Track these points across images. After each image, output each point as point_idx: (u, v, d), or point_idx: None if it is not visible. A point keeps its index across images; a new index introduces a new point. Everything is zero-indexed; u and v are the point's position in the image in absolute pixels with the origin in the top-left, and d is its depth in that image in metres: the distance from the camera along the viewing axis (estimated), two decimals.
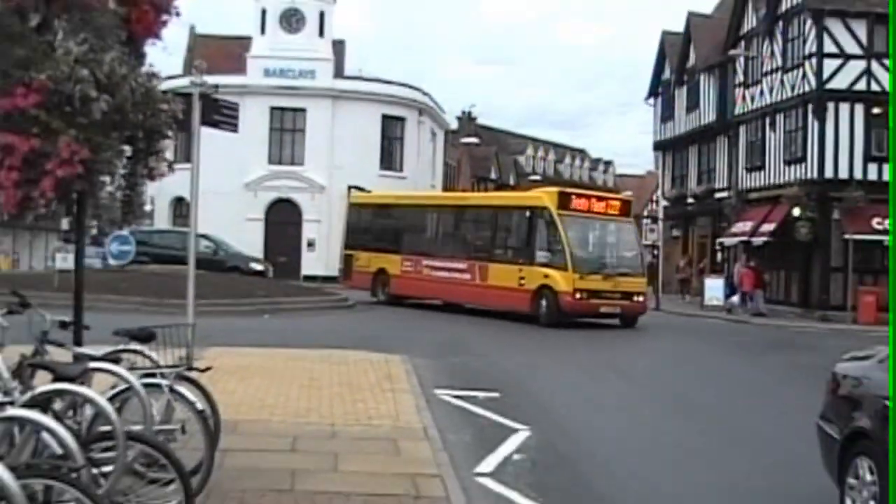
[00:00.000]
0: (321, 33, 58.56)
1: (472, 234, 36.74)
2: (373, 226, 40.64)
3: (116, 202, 9.75)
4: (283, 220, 56.57)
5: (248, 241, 53.06)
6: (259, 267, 45.44)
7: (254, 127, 50.99)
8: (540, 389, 17.82)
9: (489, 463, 11.38)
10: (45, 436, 6.53)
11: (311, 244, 56.51)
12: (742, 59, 47.90)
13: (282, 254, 55.04)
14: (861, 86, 41.67)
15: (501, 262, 33.42)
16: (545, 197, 32.97)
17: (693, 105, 55.47)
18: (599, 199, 34.49)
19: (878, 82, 41.58)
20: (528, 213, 32.97)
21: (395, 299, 37.46)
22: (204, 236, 43.65)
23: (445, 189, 73.66)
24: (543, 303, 31.32)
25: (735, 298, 44.23)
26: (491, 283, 33.32)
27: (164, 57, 10.05)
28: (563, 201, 32.16)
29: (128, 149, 9.23)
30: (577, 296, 30.61)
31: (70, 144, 8.24)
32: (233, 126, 16.64)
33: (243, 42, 58.54)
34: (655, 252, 54.84)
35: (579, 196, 33.55)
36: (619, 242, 34.16)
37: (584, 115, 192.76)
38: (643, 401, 17.33)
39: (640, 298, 32.65)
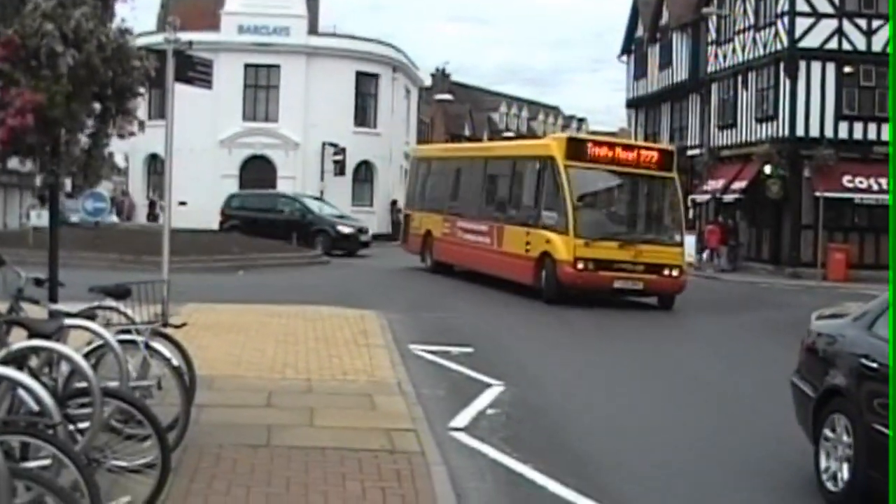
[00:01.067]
0: None
1: (494, 191, 30.50)
2: (426, 182, 35.20)
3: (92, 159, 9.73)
4: (257, 176, 56.26)
5: (222, 198, 52.94)
6: (347, 230, 43.28)
7: (228, 84, 50.67)
8: (513, 345, 17.94)
9: (463, 417, 11.49)
10: (21, 392, 6.54)
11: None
12: (715, 18, 47.88)
13: None
14: (833, 45, 41.80)
15: (513, 225, 27.62)
16: (553, 145, 26.68)
17: (666, 63, 55.44)
18: (627, 148, 27.23)
19: (849, 41, 41.77)
20: (536, 165, 27.03)
21: (438, 266, 32.44)
22: (292, 198, 45.35)
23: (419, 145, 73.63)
24: (544, 274, 25.32)
25: (705, 255, 44.51)
26: (504, 250, 27.72)
27: (138, 13, 9.97)
28: (574, 150, 25.59)
29: (97, 106, 9.21)
30: (580, 266, 24.39)
31: (24, 94, 8.23)
32: (207, 83, 16.64)
33: None
34: None
35: (597, 144, 26.53)
36: (651, 202, 27.62)
37: (556, 73, 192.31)
38: (615, 357, 17.47)
39: (675, 273, 25.47)
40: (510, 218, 27.98)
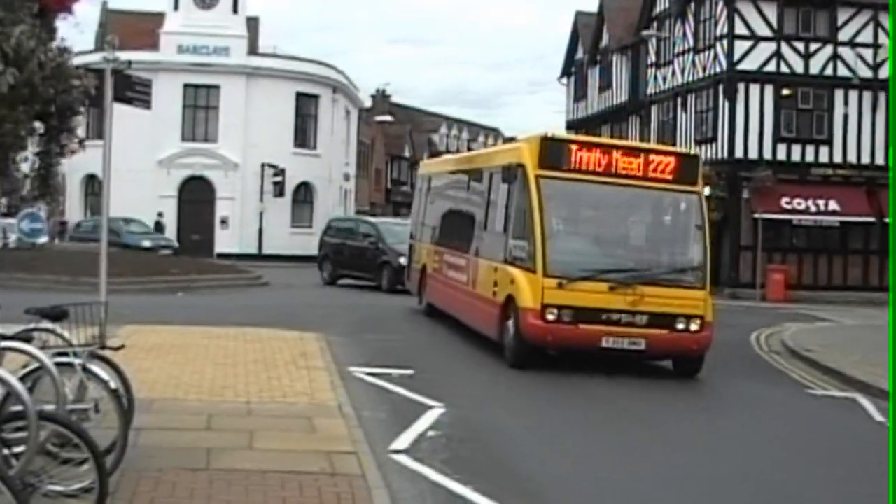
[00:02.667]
0: (235, 10, 57.97)
1: (472, 213, 22.61)
2: (426, 205, 27.66)
3: (27, 179, 9.65)
4: (196, 197, 56.05)
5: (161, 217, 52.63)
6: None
7: (167, 104, 50.54)
8: (454, 367, 17.93)
9: (404, 440, 11.44)
10: None
11: (224, 221, 56.13)
12: (654, 40, 48.27)
13: (195, 231, 54.75)
14: (771, 67, 42.35)
15: (484, 258, 20.48)
16: (523, 148, 19.01)
17: (606, 85, 55.84)
18: (630, 151, 19.08)
19: (787, 64, 42.35)
20: (505, 176, 19.54)
21: (431, 310, 25.37)
22: (369, 223, 40.12)
23: (359, 166, 73.52)
24: (509, 326, 18.19)
25: None
26: (477, 291, 20.67)
27: (77, 33, 9.94)
28: (550, 155, 18.32)
29: (40, 125, 9.14)
30: (550, 317, 17.31)
31: None
32: (145, 103, 16.54)
33: (156, 18, 57.76)
34: None
35: (585, 147, 18.72)
36: (661, 226, 20.11)
37: (496, 95, 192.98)
38: (556, 380, 17.48)
39: (694, 326, 17.91)
40: (482, 249, 20.77)
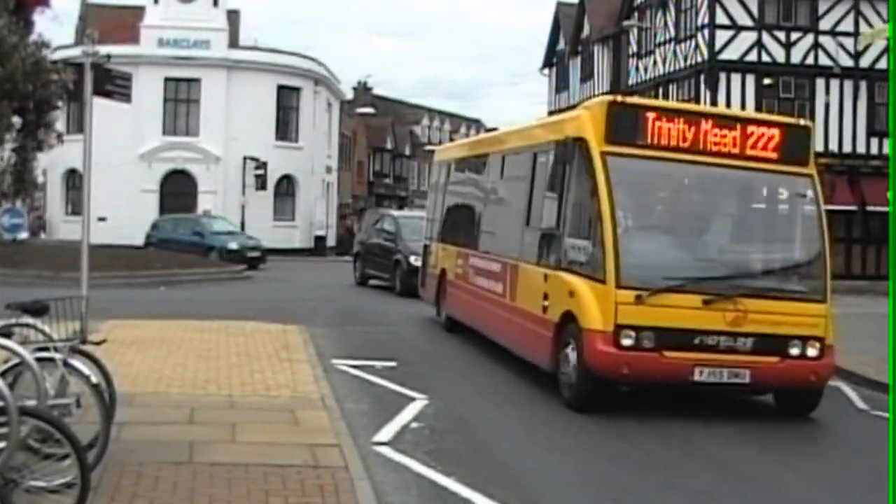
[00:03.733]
0: (215, 3, 57.90)
1: (508, 205, 18.06)
2: (444, 197, 22.93)
3: (6, 174, 9.61)
4: (178, 191, 55.93)
5: (143, 213, 52.46)
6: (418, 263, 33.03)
7: (148, 97, 50.40)
8: (437, 358, 17.92)
9: (387, 432, 11.44)
10: None
11: (206, 214, 56.05)
12: (636, 30, 48.33)
13: None
14: (752, 57, 42.44)
15: (529, 262, 15.81)
16: (584, 118, 14.38)
17: (587, 75, 55.87)
18: (723, 122, 14.47)
19: (768, 53, 42.43)
20: (558, 155, 14.78)
21: (452, 324, 20.98)
22: (390, 217, 35.27)
23: (341, 159, 73.40)
24: (569, 353, 13.74)
25: None
26: (518, 305, 16.24)
27: (56, 25, 9.88)
28: (620, 125, 13.97)
29: (17, 120, 9.09)
30: (626, 341, 13.06)
31: None
32: (126, 97, 16.49)
33: (137, 12, 57.59)
34: None
35: (664, 115, 14.21)
36: (765, 219, 15.55)
37: (478, 87, 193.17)
38: (533, 369, 17.46)
39: (813, 351, 13.64)
40: (525, 251, 16.02)
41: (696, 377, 13.05)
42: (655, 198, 15.18)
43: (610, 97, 14.48)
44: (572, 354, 13.52)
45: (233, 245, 43.26)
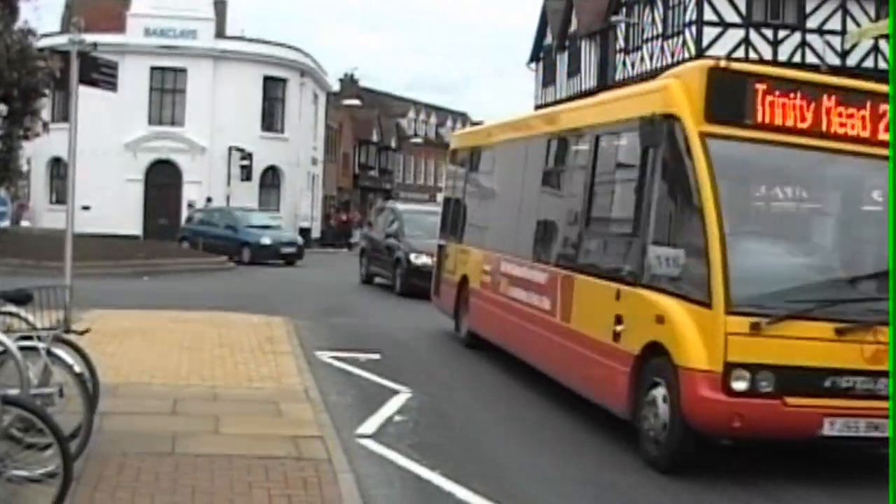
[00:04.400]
0: None
1: (559, 201, 14.82)
2: (466, 192, 19.57)
3: None
4: (163, 181, 55.77)
5: (127, 203, 52.35)
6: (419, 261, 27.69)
7: (133, 87, 50.13)
8: (420, 351, 17.92)
9: (371, 424, 11.44)
10: None
11: (191, 205, 55.84)
12: (623, 26, 48.32)
13: (161, 215, 54.46)
14: (740, 53, 42.38)
15: (591, 274, 12.73)
16: (672, 89, 11.16)
17: (574, 70, 55.84)
18: (852, 97, 11.08)
19: (755, 51, 42.42)
20: (638, 138, 11.58)
21: (475, 340, 17.74)
22: (393, 210, 33.07)
23: (327, 151, 73.28)
24: (657, 398, 10.50)
25: None
26: (573, 327, 13.02)
27: (42, 13, 9.83)
28: (724, 98, 10.70)
29: (3, 108, 9.05)
30: (738, 385, 9.79)
31: None
32: (111, 85, 16.44)
33: (123, 0, 57.37)
34: None
35: (778, 86, 10.85)
36: None
37: (465, 80, 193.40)
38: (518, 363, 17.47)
39: None
40: (585, 259, 13.05)
41: (826, 430, 9.89)
42: (771, 194, 11.76)
43: (710, 60, 10.93)
44: (662, 400, 10.31)
45: (265, 240, 41.57)
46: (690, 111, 10.65)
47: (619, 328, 11.34)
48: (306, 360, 15.23)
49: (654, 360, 10.52)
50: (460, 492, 9.00)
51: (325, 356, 16.12)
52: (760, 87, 10.66)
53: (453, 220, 20.00)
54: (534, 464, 10.41)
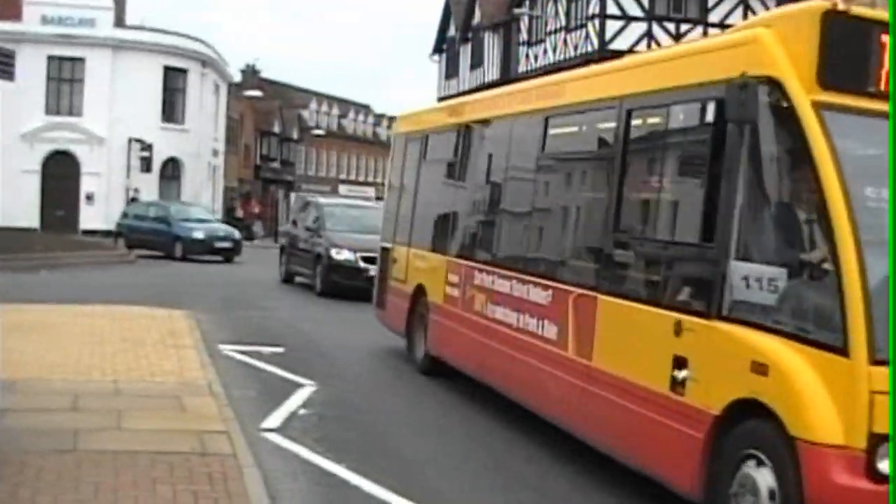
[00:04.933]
0: None
1: (574, 194, 11.62)
2: (419, 184, 16.35)
3: None
4: (60, 172, 54.94)
5: (23, 194, 51.47)
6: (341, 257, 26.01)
7: (30, 76, 49.31)
8: (324, 344, 17.86)
9: (275, 418, 11.38)
10: None
11: (89, 197, 55.07)
12: (526, 18, 48.50)
13: (59, 207, 53.70)
14: (642, 47, 42.79)
15: (623, 296, 9.45)
16: (762, 40, 8.05)
17: (477, 63, 55.96)
18: None
19: (658, 44, 42.80)
20: (703, 109, 8.73)
21: (436, 365, 14.65)
22: (315, 203, 30.40)
23: (228, 142, 72.70)
24: (756, 480, 7.31)
25: None
26: (603, 366, 9.57)
27: None
28: (844, 56, 7.62)
29: None
30: (885, 465, 6.61)
31: None
32: (8, 74, 16.07)
33: None
34: None
35: None
36: None
37: (367, 71, 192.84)
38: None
39: None
40: (614, 274, 9.88)
41: None
42: None
43: (822, 2, 7.74)
44: (766, 484, 7.28)
45: (198, 234, 39.63)
46: (796, 73, 7.72)
47: (681, 374, 8.29)
48: (209, 353, 15.09)
49: (748, 424, 7.55)
50: (366, 485, 8.97)
51: (227, 349, 15.99)
52: (885, 37, 7.66)
53: (402, 219, 16.53)
54: (441, 455, 10.43)
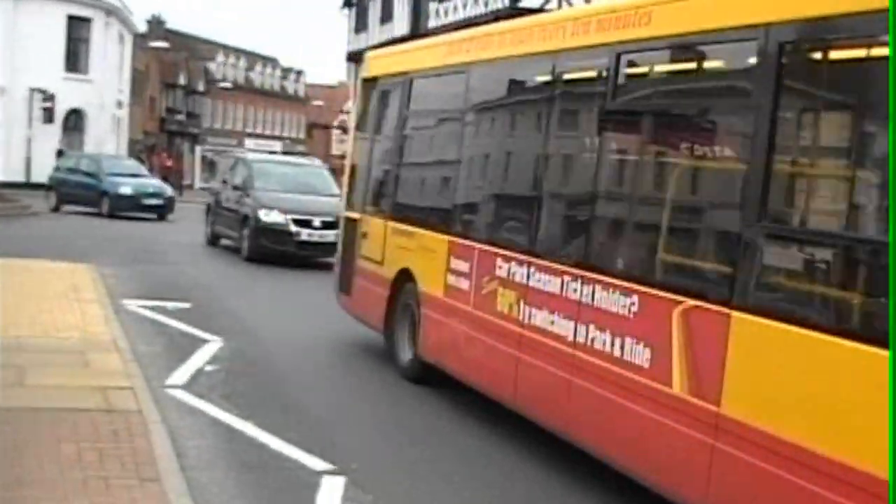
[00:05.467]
0: None
1: (682, 161, 7.98)
2: (409, 137, 13.01)
3: None
4: None
5: None
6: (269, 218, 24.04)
7: None
8: (231, 300, 17.73)
9: (181, 374, 11.28)
10: None
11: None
12: None
13: None
14: (552, 5, 42.84)
15: (797, 322, 6.17)
16: None
17: (387, 17, 55.62)
18: None
19: (568, 2, 42.88)
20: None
21: (429, 375, 11.55)
22: (243, 161, 27.95)
23: (133, 94, 71.66)
24: None
25: None
26: (737, 416, 6.56)
27: None
28: None
29: None
30: None
31: None
32: None
33: None
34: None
35: None
36: None
37: (275, 24, 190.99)
38: (310, 289, 17.40)
39: None
40: (757, 285, 6.67)
41: None
42: None
43: None
44: None
45: (125, 190, 37.00)
46: None
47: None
48: (113, 308, 14.89)
49: None
50: (274, 441, 8.93)
51: (132, 304, 15.79)
52: None
53: (377, 182, 13.58)
54: (348, 411, 10.43)
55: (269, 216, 23.37)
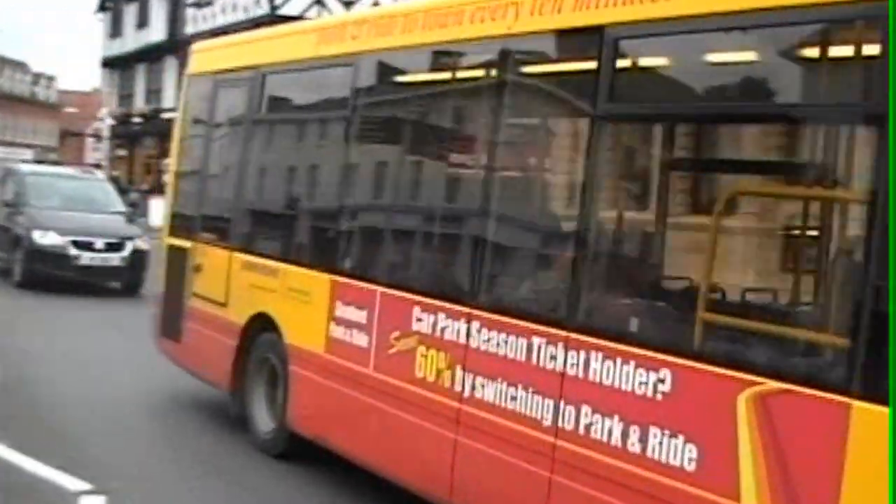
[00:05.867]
0: None
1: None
2: (262, 147, 10.64)
3: None
4: None
5: None
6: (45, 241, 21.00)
7: None
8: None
9: None
10: None
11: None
12: None
13: None
14: (312, 13, 42.85)
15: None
16: None
17: (143, 22, 54.87)
18: None
19: (328, 11, 42.99)
20: None
21: (300, 448, 8.96)
22: (14, 172, 24.23)
23: None
24: None
25: None
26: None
27: None
28: None
29: None
30: None
31: None
32: None
33: None
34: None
35: None
36: None
37: (25, 27, 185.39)
38: (97, 325, 16.95)
39: None
40: None
41: None
42: None
43: None
44: None
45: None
46: None
47: None
48: None
49: None
50: (29, 464, 8.51)
51: None
52: None
53: (216, 203, 11.19)
54: (111, 433, 10.07)
55: (44, 238, 20.82)
